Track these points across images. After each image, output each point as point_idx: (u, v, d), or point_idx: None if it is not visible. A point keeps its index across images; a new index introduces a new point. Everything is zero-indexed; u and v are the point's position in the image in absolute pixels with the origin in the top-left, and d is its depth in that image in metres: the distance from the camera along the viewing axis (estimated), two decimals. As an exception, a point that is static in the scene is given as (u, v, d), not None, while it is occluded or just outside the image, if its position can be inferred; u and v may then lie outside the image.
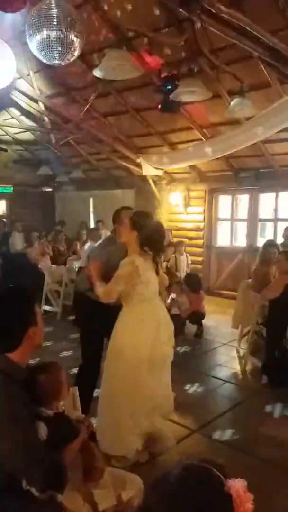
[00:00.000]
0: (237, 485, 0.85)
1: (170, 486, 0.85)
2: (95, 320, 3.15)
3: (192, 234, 8.60)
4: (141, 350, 2.81)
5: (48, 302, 7.10)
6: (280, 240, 6.36)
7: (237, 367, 4.73)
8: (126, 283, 2.76)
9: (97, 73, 3.84)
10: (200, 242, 8.48)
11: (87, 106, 6.41)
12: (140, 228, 2.84)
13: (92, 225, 10.28)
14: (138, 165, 8.05)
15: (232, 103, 5.11)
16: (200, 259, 8.46)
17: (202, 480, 0.86)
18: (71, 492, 1.63)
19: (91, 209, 10.75)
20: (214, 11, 3.46)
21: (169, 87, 5.11)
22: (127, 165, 8.46)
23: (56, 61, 3.91)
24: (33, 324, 1.57)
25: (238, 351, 5.16)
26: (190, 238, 8.49)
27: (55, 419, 1.67)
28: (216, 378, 4.39)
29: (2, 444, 1.41)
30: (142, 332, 2.85)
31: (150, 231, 2.87)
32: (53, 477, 1.46)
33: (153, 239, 2.89)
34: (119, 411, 2.81)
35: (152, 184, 8.67)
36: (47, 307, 7.03)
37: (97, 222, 9.14)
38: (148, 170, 7.97)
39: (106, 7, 5.20)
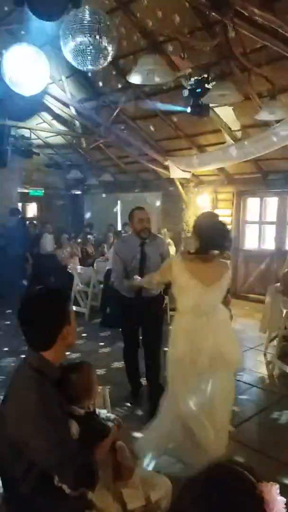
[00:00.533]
0: (269, 488, 0.85)
1: (202, 488, 0.86)
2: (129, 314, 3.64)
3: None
4: (178, 364, 2.70)
5: (76, 303, 7.21)
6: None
7: (264, 372, 4.67)
8: (161, 275, 2.94)
9: (131, 78, 3.90)
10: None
11: (117, 111, 6.49)
12: (195, 230, 2.73)
13: (119, 227, 10.39)
14: (166, 168, 8.10)
15: (262, 105, 5.07)
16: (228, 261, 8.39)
17: (234, 482, 0.86)
18: (102, 491, 1.66)
19: (119, 211, 10.85)
20: (246, 14, 3.46)
21: (199, 90, 5.13)
22: (155, 168, 8.52)
23: (89, 67, 4.02)
24: (67, 324, 1.59)
25: (265, 356, 5.10)
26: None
27: (86, 418, 1.70)
28: (243, 382, 4.35)
29: (35, 441, 1.42)
30: (175, 347, 2.73)
31: (203, 231, 2.68)
32: (85, 475, 1.48)
33: (207, 238, 2.65)
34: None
35: (180, 187, 8.69)
36: (75, 308, 7.15)
37: (124, 224, 9.22)
38: (176, 172, 8.00)
39: (137, 13, 5.29)
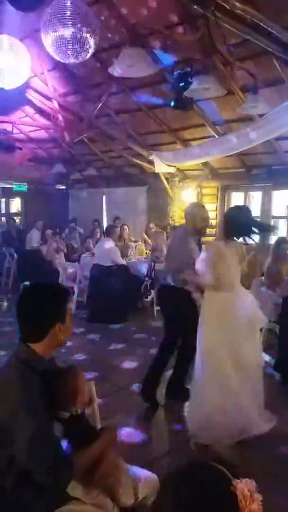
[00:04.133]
0: (243, 485, 0.85)
1: (176, 484, 0.86)
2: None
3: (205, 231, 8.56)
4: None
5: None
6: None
7: (249, 364, 4.72)
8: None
9: (112, 71, 3.87)
10: (213, 239, 8.46)
11: (100, 104, 6.44)
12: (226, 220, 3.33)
13: (104, 222, 10.35)
14: (151, 163, 8.08)
15: (245, 100, 5.09)
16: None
17: (206, 478, 0.86)
18: (94, 489, 1.67)
19: (104, 206, 10.81)
20: (228, 7, 3.46)
21: (182, 84, 5.11)
22: (139, 162, 8.49)
23: (71, 59, 3.97)
24: (61, 321, 1.59)
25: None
26: (203, 235, 8.46)
27: (70, 420, 1.70)
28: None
29: (14, 432, 1.42)
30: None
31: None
32: (58, 473, 1.47)
33: None
34: None
35: (165, 181, 8.69)
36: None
37: (115, 218, 9.14)
38: (161, 167, 7.99)
39: (120, 5, 5.24)
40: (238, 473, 0.89)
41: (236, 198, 8.42)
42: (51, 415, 1.60)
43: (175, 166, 8.17)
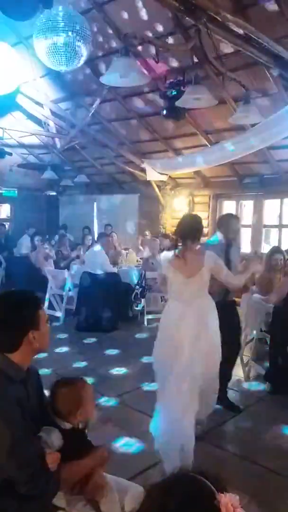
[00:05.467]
0: (227, 500, 0.84)
1: (158, 496, 0.86)
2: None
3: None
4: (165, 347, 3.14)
5: (50, 306, 7.10)
6: (285, 246, 6.33)
7: (240, 374, 4.69)
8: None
9: (104, 80, 3.86)
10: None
11: (92, 111, 6.44)
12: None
13: (96, 229, 10.29)
14: (143, 170, 8.08)
15: (237, 109, 5.12)
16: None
17: (190, 492, 0.86)
18: (79, 502, 1.67)
19: (95, 213, 10.77)
20: (219, 19, 3.47)
21: (174, 93, 5.13)
22: (131, 170, 8.49)
23: (63, 67, 3.96)
24: (34, 328, 1.57)
25: (241, 358, 5.13)
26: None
27: (70, 433, 1.70)
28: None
29: None
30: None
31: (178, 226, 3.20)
32: (38, 484, 1.46)
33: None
34: None
35: (157, 189, 8.69)
36: (49, 312, 7.04)
37: (105, 226, 9.09)
38: (152, 175, 7.99)
39: (112, 14, 5.26)
40: (222, 487, 0.88)
41: (228, 207, 8.44)
42: (32, 425, 1.59)
43: (167, 174, 8.18)
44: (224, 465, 2.96)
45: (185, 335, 2.96)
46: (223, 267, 3.14)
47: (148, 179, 8.20)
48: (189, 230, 3.09)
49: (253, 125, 5.60)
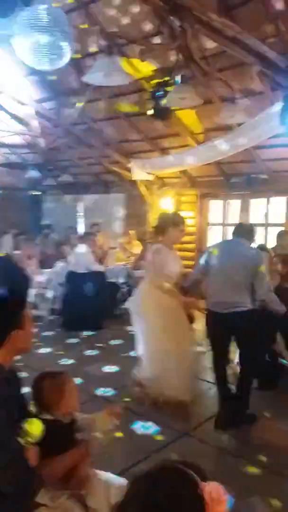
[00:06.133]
0: (210, 488, 0.87)
1: (144, 486, 0.87)
2: None
3: (183, 238, 8.56)
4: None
5: (35, 306, 7.02)
6: (270, 245, 6.36)
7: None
8: None
9: (86, 79, 3.80)
10: (192, 246, 8.45)
11: (77, 111, 6.36)
12: None
13: (81, 229, 10.20)
14: (129, 170, 8.02)
15: (223, 109, 5.11)
16: (191, 263, 8.43)
17: (175, 481, 0.88)
18: (64, 498, 1.68)
19: (80, 213, 10.67)
20: (205, 19, 3.44)
21: (160, 93, 5.09)
22: (117, 169, 8.43)
23: (46, 66, 3.88)
24: (18, 328, 1.56)
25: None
26: (182, 242, 8.44)
27: (53, 426, 1.70)
28: (206, 381, 4.35)
29: None
30: None
31: None
32: (23, 483, 1.46)
33: None
34: None
35: (143, 189, 8.64)
36: (34, 311, 6.96)
37: (92, 225, 8.98)
38: (139, 174, 7.93)
39: (97, 13, 5.18)
40: (204, 476, 0.90)
41: (215, 206, 8.44)
42: (14, 424, 1.58)
43: (153, 174, 8.14)
44: (208, 459, 3.01)
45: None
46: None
47: (134, 179, 8.15)
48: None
49: (239, 125, 5.60)
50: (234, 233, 3.67)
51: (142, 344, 3.89)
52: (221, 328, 3.40)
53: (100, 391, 4.11)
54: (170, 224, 3.87)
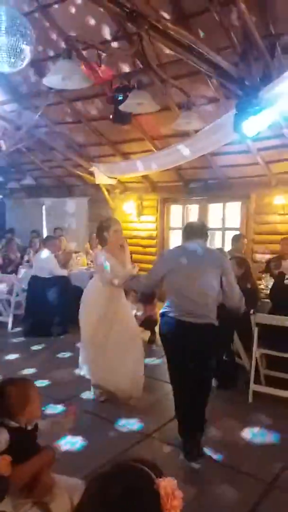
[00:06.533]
0: (165, 483, 0.88)
1: (100, 484, 0.88)
2: None
3: (145, 242, 8.73)
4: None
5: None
6: (227, 248, 6.59)
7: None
8: None
9: (46, 82, 3.87)
10: (153, 250, 8.61)
11: (39, 114, 6.38)
12: None
13: (45, 233, 10.12)
14: (91, 174, 8.09)
15: (179, 116, 5.29)
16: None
17: (130, 478, 0.89)
18: (28, 504, 1.68)
19: (44, 216, 10.59)
20: (161, 27, 3.59)
21: (120, 98, 5.21)
22: (80, 173, 8.47)
23: (6, 69, 3.90)
24: None
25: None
26: (144, 246, 8.62)
27: (17, 433, 1.70)
28: (168, 383, 4.41)
29: None
30: None
31: None
32: None
33: None
34: None
35: (106, 193, 8.73)
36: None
37: (55, 229, 8.91)
38: (101, 178, 8.03)
39: (57, 17, 5.26)
40: (159, 472, 0.92)
41: (175, 211, 8.65)
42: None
43: (115, 178, 8.25)
44: (172, 460, 3.04)
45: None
46: None
47: (97, 183, 8.23)
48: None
49: (196, 131, 5.81)
50: (189, 236, 3.27)
51: (83, 336, 4.06)
52: (184, 337, 3.01)
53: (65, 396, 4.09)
54: (103, 230, 3.96)
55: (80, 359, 4.17)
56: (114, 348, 3.84)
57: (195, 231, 3.27)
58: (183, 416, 3.14)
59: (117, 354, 3.85)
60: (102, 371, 3.89)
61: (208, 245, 3.41)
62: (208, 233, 3.45)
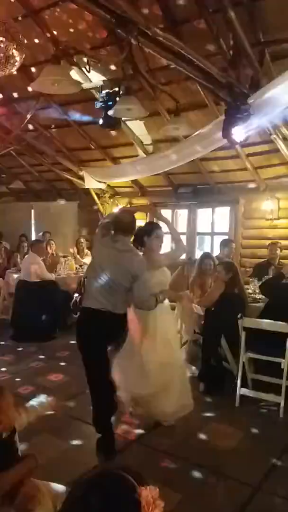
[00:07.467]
0: (147, 492, 0.88)
1: (81, 491, 0.88)
2: None
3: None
4: None
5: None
6: (216, 252, 6.64)
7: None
8: None
9: (34, 86, 3.87)
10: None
11: (28, 118, 6.37)
12: None
13: (33, 237, 10.06)
14: (81, 178, 8.09)
15: (169, 121, 5.33)
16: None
17: (111, 487, 0.88)
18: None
19: (32, 220, 10.54)
20: (150, 34, 3.62)
21: (110, 103, 5.22)
22: (69, 177, 8.46)
23: (-6, 72, 3.90)
24: None
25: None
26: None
27: None
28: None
29: None
30: None
31: None
32: None
33: None
34: None
35: (95, 197, 8.73)
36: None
37: (43, 233, 8.83)
38: (91, 183, 8.03)
39: (47, 22, 5.27)
40: (143, 481, 0.92)
41: (164, 215, 8.62)
42: None
43: (105, 182, 8.26)
44: (157, 465, 3.03)
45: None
46: None
47: (86, 187, 8.23)
48: None
49: (186, 137, 5.85)
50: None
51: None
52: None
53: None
54: (144, 234, 3.92)
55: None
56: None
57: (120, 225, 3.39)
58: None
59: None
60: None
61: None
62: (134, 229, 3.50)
